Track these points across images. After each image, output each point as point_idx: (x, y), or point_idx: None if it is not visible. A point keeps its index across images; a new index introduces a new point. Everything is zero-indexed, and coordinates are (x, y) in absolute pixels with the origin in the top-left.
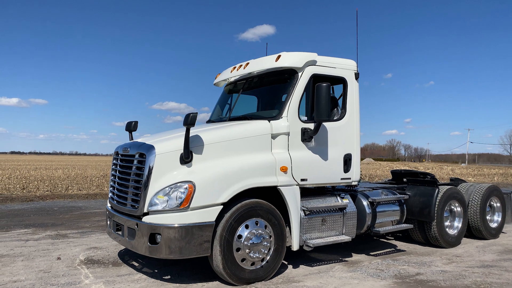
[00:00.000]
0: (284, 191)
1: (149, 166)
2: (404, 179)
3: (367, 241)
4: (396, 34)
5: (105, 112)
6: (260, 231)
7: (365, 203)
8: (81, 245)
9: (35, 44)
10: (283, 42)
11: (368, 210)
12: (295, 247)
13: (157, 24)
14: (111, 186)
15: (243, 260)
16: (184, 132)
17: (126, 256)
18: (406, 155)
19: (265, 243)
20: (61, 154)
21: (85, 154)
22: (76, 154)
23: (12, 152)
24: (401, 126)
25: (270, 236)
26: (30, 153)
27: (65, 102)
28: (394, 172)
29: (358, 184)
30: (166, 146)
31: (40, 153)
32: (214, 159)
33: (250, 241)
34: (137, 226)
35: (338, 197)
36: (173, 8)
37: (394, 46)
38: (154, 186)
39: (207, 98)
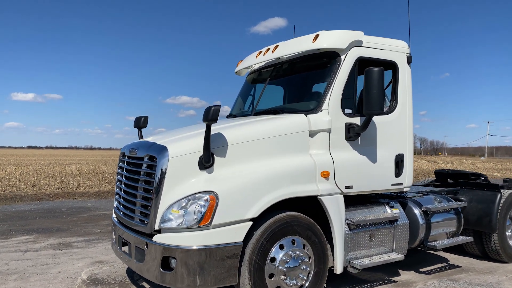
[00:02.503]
0: (326, 201)
1: (161, 172)
2: (449, 180)
3: (411, 253)
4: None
5: (119, 107)
6: (297, 252)
7: (417, 212)
8: (85, 257)
9: (50, 39)
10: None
11: (421, 221)
12: (339, 269)
13: (169, 20)
14: (117, 193)
15: None
16: (204, 130)
17: (136, 274)
18: (421, 148)
19: (304, 267)
20: (77, 148)
21: (99, 148)
22: (91, 148)
23: (29, 147)
24: (416, 119)
25: (310, 258)
26: (46, 147)
27: (80, 97)
28: (439, 173)
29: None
30: (182, 147)
31: (56, 148)
32: (240, 163)
33: (286, 265)
34: (147, 247)
35: (387, 207)
36: (185, 3)
37: (406, 38)
38: (168, 197)
39: (219, 92)
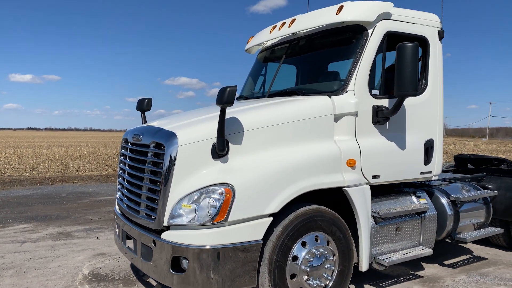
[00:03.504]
0: (352, 193)
1: (169, 162)
2: (469, 165)
3: None
4: (410, 3)
5: (118, 88)
6: (321, 249)
7: (445, 202)
8: (86, 249)
9: (46, 20)
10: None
11: (449, 212)
12: (364, 266)
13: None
14: (119, 183)
15: None
16: (216, 114)
17: None
18: None
19: (328, 265)
20: (76, 130)
21: (99, 130)
22: (91, 130)
23: (29, 128)
24: None
25: (334, 255)
26: (46, 129)
27: (78, 78)
28: (458, 158)
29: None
30: (193, 133)
31: (56, 129)
32: (258, 151)
33: (309, 264)
34: (155, 245)
35: (413, 197)
36: None
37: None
38: (177, 190)
39: (219, 73)
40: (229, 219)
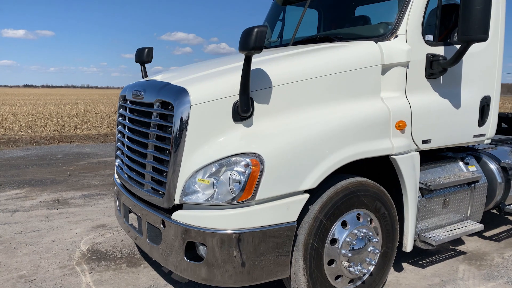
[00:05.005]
0: (400, 161)
1: (180, 126)
2: (503, 124)
3: None
4: None
5: (114, 44)
6: (364, 229)
7: (494, 168)
8: (84, 219)
9: None
10: None
11: (499, 179)
12: (409, 246)
13: None
14: (118, 149)
15: (337, 277)
16: (237, 64)
17: None
18: None
19: (371, 248)
20: (73, 87)
21: (96, 87)
22: (88, 87)
23: (25, 86)
24: None
25: (377, 235)
26: (42, 86)
27: (72, 34)
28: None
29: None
30: (208, 89)
31: (52, 87)
32: (289, 112)
33: (350, 247)
34: (164, 226)
35: (461, 163)
36: None
37: None
38: (191, 160)
39: (217, 27)
40: (257, 197)
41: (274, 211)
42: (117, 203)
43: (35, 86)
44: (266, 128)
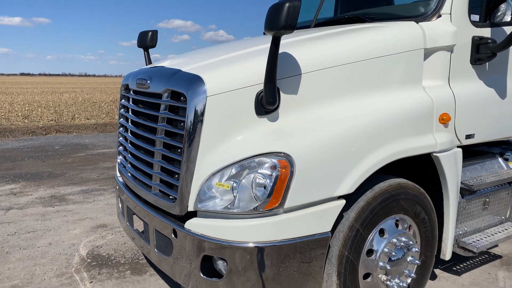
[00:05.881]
0: (444, 159)
1: (194, 120)
2: None
3: None
4: None
5: (111, 32)
6: (403, 238)
7: None
8: (83, 218)
9: None
10: None
11: None
12: (448, 254)
13: None
14: (120, 144)
15: None
16: (262, 48)
17: None
18: None
19: (411, 258)
20: (71, 75)
21: (94, 76)
22: (86, 75)
23: (22, 74)
24: None
25: (416, 243)
26: (39, 74)
27: (69, 21)
28: None
29: None
30: (227, 76)
31: (50, 75)
32: (321, 104)
33: (388, 259)
34: (175, 236)
35: (500, 159)
36: None
37: None
38: (207, 161)
39: (215, 14)
40: (286, 205)
41: (306, 220)
42: (120, 205)
43: (32, 75)
44: (294, 123)
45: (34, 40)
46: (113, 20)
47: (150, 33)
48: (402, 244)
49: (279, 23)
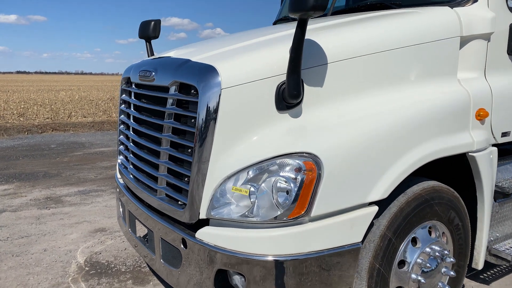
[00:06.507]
0: (480, 159)
1: (206, 116)
2: None
3: None
4: None
5: (107, 30)
6: (437, 247)
7: None
8: (80, 222)
9: None
10: None
11: None
12: (481, 263)
13: None
14: (121, 143)
15: None
16: (283, 34)
17: None
18: None
19: (444, 269)
20: (67, 73)
21: (90, 74)
22: (82, 73)
23: (18, 72)
24: None
25: (449, 252)
26: (36, 72)
27: (65, 19)
28: None
29: None
30: (245, 66)
31: (46, 73)
32: (349, 98)
33: (422, 270)
34: (185, 246)
35: None
36: None
37: None
38: (222, 162)
39: (212, 12)
40: (313, 213)
41: (334, 230)
42: (120, 209)
43: (28, 73)
44: (320, 119)
45: (30, 38)
46: (109, 18)
47: (153, 22)
48: (436, 254)
49: (308, 2)
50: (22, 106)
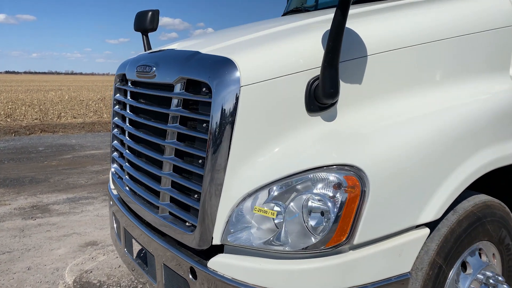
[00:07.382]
0: None
1: (222, 120)
2: None
3: None
4: None
5: (98, 29)
6: (489, 272)
7: None
8: (70, 234)
9: None
10: None
11: None
12: None
13: None
14: (115, 149)
15: None
16: (309, 22)
17: None
18: None
19: None
20: (57, 73)
21: (81, 74)
22: (72, 73)
23: (7, 72)
24: None
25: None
26: (25, 72)
27: (55, 18)
28: None
29: None
30: (269, 59)
31: (35, 73)
32: (395, 97)
33: None
34: (195, 277)
35: None
36: None
37: None
38: (240, 176)
39: (203, 12)
40: (356, 240)
41: (380, 259)
42: (115, 225)
43: (17, 72)
44: (362, 124)
45: (19, 38)
46: (100, 18)
47: (150, 13)
48: (491, 281)
49: None
50: (9, 106)
